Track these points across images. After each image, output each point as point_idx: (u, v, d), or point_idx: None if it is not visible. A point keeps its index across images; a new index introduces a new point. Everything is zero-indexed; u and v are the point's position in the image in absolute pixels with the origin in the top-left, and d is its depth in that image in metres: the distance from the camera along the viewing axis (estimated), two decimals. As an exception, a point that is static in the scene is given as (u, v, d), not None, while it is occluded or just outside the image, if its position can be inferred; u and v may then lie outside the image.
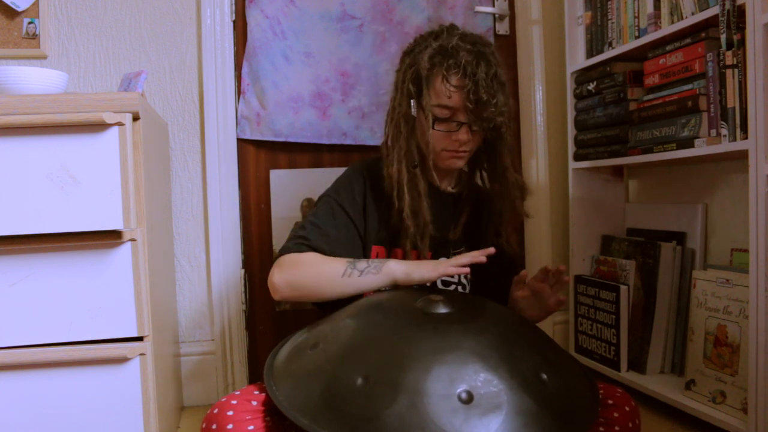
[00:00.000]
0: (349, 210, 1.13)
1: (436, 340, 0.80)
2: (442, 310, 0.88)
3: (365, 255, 1.15)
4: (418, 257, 1.13)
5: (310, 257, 1.06)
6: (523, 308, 1.12)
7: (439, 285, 1.16)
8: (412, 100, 1.10)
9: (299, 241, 1.08)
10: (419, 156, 1.13)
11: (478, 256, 1.02)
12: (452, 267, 1.01)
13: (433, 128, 1.09)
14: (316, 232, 1.09)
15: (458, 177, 1.25)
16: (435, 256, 1.17)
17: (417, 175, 1.11)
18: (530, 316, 1.12)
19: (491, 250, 1.04)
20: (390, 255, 1.16)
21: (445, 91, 1.06)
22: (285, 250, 1.08)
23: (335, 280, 1.03)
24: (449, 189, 1.22)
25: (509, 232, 1.17)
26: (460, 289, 1.19)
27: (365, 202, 1.15)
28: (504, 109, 1.08)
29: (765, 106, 1.13)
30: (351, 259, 1.05)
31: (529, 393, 0.75)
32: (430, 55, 1.08)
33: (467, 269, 1.01)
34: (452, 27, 1.13)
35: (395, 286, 1.05)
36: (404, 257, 1.13)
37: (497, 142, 1.14)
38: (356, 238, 1.14)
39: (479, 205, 1.24)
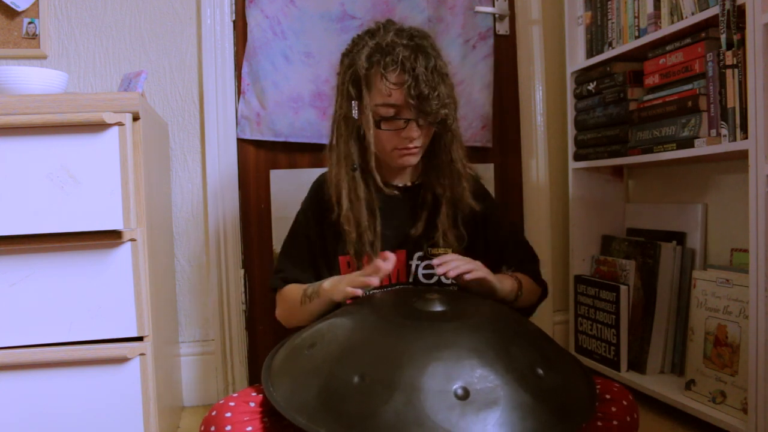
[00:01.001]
0: (305, 232, 1.19)
1: (431, 337, 0.80)
2: (438, 308, 0.88)
3: (333, 267, 1.15)
4: (369, 262, 1.10)
5: (285, 292, 1.17)
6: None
7: (421, 272, 1.16)
8: (353, 102, 1.08)
9: (277, 276, 1.19)
10: (362, 158, 1.11)
11: (370, 279, 0.98)
12: (349, 287, 1.00)
13: (379, 128, 1.07)
14: (286, 262, 1.19)
15: (416, 169, 1.21)
16: (409, 255, 1.15)
17: (356, 178, 1.10)
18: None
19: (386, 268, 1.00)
20: (360, 264, 1.14)
21: (386, 89, 1.04)
22: (272, 286, 1.20)
23: (298, 310, 1.11)
24: (408, 183, 1.19)
25: (447, 228, 1.14)
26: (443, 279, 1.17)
27: (323, 217, 1.15)
28: (447, 100, 1.05)
29: (765, 106, 1.12)
30: (306, 286, 1.11)
31: (526, 388, 0.75)
32: (367, 55, 1.06)
33: (358, 291, 0.98)
34: (389, 23, 1.11)
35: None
36: (358, 266, 1.12)
37: (444, 135, 1.12)
38: (317, 256, 1.17)
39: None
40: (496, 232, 1.20)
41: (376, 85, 1.05)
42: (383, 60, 1.04)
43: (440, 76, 1.05)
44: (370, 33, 1.10)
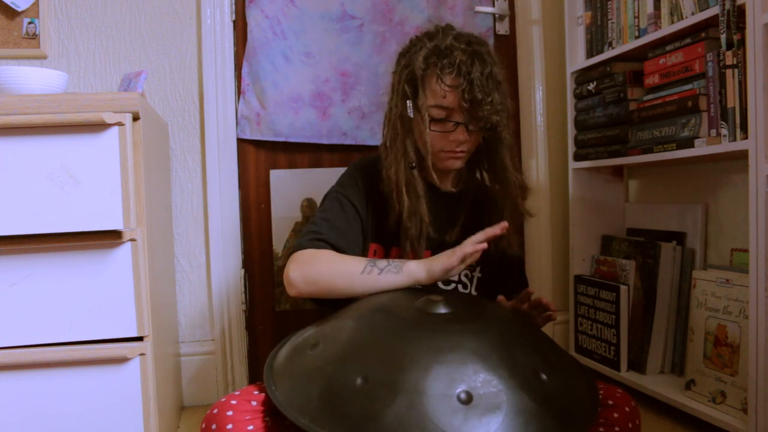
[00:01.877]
0: (356, 203, 1.14)
1: (435, 340, 0.80)
2: (442, 310, 0.88)
3: (365, 249, 1.15)
4: (415, 257, 1.12)
5: (326, 254, 1.06)
6: None
7: (440, 285, 1.16)
8: (408, 101, 1.10)
9: (313, 236, 1.08)
10: (417, 157, 1.13)
11: (491, 231, 1.00)
12: (469, 246, 0.99)
13: (429, 129, 1.08)
14: (327, 226, 1.10)
15: (459, 176, 1.25)
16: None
17: (415, 176, 1.11)
18: None
19: (504, 224, 1.02)
20: (388, 254, 1.17)
21: (440, 91, 1.05)
22: (299, 246, 1.08)
23: (353, 277, 1.02)
24: (450, 189, 1.22)
25: (510, 233, 1.16)
26: (461, 288, 1.19)
27: (367, 197, 1.16)
28: (500, 107, 1.07)
29: (765, 106, 1.12)
30: (371, 258, 1.06)
31: (529, 393, 0.75)
32: (424, 56, 1.07)
33: (485, 245, 1.00)
34: (448, 27, 1.12)
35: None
36: (400, 257, 1.13)
37: (495, 142, 1.13)
38: (361, 231, 1.15)
39: (481, 205, 1.23)
40: (507, 255, 1.20)
41: (431, 86, 1.07)
42: (440, 62, 1.05)
43: (495, 83, 1.06)
44: (429, 35, 1.12)
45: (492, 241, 1.12)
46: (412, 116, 1.10)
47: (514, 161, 1.15)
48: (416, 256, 1.12)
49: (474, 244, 1.00)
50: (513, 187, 1.15)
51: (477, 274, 1.21)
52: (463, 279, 1.19)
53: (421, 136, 1.10)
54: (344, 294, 1.03)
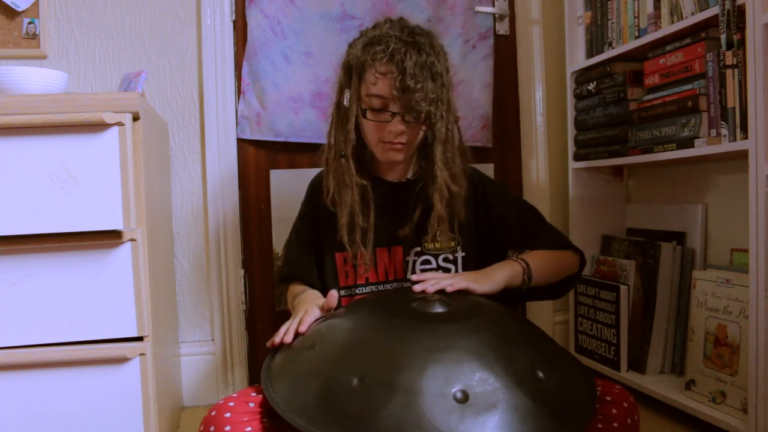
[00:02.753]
0: (304, 231, 1.21)
1: (431, 339, 0.80)
2: (438, 309, 0.88)
3: (331, 266, 1.16)
4: (361, 255, 1.11)
5: (290, 287, 1.20)
6: None
7: (418, 268, 1.15)
8: (346, 90, 1.09)
9: (279, 277, 1.25)
10: (359, 147, 1.12)
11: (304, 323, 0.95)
12: (299, 324, 0.96)
13: (365, 117, 1.08)
14: (286, 261, 1.24)
15: (408, 168, 1.20)
16: (406, 251, 1.15)
17: (343, 165, 1.09)
18: None
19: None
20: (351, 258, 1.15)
21: (373, 79, 1.05)
22: (277, 283, 1.25)
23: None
24: (399, 180, 1.19)
25: (438, 228, 1.10)
26: (454, 269, 1.16)
27: (318, 213, 1.17)
28: (433, 97, 1.03)
29: (765, 106, 1.12)
30: (298, 291, 1.14)
31: (526, 391, 0.75)
32: (363, 44, 1.07)
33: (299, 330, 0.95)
34: (399, 19, 1.11)
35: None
36: (352, 256, 1.12)
37: (430, 135, 1.10)
38: (312, 252, 1.19)
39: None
40: (499, 215, 1.18)
41: (367, 74, 1.06)
42: (374, 49, 1.04)
43: (431, 74, 1.04)
44: (375, 26, 1.11)
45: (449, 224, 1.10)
46: (347, 105, 1.09)
47: (447, 156, 1.09)
48: (363, 254, 1.10)
49: (296, 325, 0.95)
50: (438, 182, 1.09)
51: (460, 254, 1.17)
52: (442, 264, 1.16)
53: (362, 126, 1.10)
54: None
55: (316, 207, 1.18)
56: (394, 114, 1.06)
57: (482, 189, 1.19)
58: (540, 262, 1.11)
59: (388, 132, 1.07)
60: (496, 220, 1.18)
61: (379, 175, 1.17)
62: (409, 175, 1.19)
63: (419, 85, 1.02)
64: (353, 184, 1.09)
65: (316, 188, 1.20)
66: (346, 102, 1.09)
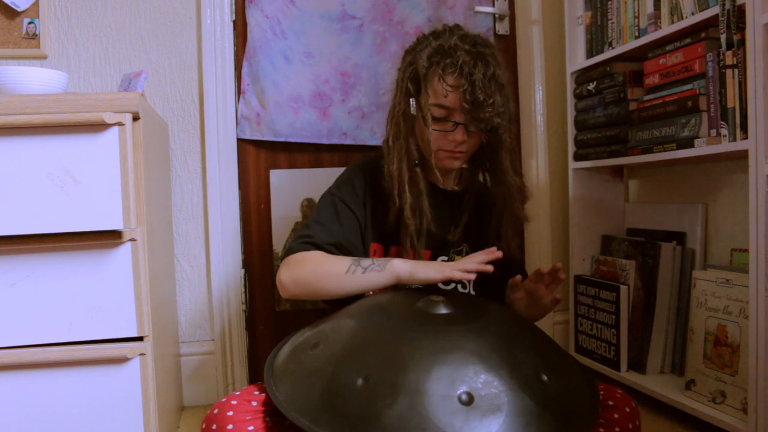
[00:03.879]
0: (351, 204, 1.14)
1: (436, 340, 0.80)
2: (443, 310, 0.88)
3: (365, 251, 1.15)
4: (414, 256, 1.13)
5: (315, 255, 1.07)
6: (519, 309, 1.13)
7: (440, 284, 1.16)
8: (411, 99, 1.11)
9: (304, 240, 1.09)
10: (420, 155, 1.13)
11: (485, 264, 1.00)
12: (458, 272, 1.00)
13: (429, 127, 1.09)
14: (319, 229, 1.11)
15: (461, 176, 1.25)
16: (434, 256, 1.17)
17: (417, 173, 1.12)
18: (527, 316, 1.12)
19: (498, 254, 1.02)
20: (387, 253, 1.17)
21: (442, 91, 1.06)
22: (291, 249, 1.09)
23: (339, 277, 1.03)
24: (452, 188, 1.22)
25: (509, 236, 1.16)
26: (459, 288, 1.19)
27: (365, 197, 1.16)
28: (501, 110, 1.06)
29: (765, 106, 1.13)
30: (356, 258, 1.06)
31: (530, 394, 0.75)
32: (428, 54, 1.08)
33: (473, 276, 1.00)
34: (456, 27, 1.13)
35: (397, 285, 1.05)
36: (399, 256, 1.13)
37: (496, 144, 1.13)
38: (359, 232, 1.15)
39: (482, 206, 1.23)
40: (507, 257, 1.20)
41: (434, 85, 1.07)
42: (443, 61, 1.05)
43: (497, 86, 1.06)
44: (435, 34, 1.12)
45: (491, 243, 1.13)
46: (414, 114, 1.10)
47: (515, 164, 1.15)
48: (416, 254, 1.12)
49: (464, 272, 1.00)
50: (512, 190, 1.14)
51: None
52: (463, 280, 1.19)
53: (422, 135, 1.11)
54: (333, 294, 1.05)
55: (365, 191, 1.16)
56: (457, 124, 1.08)
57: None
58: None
59: (449, 141, 1.09)
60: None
61: (433, 181, 1.19)
62: (456, 186, 1.23)
63: (491, 99, 1.04)
64: (425, 193, 1.12)
65: (370, 174, 1.17)
66: (413, 110, 1.10)
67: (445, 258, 1.18)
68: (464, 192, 1.23)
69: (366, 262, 1.04)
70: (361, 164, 1.20)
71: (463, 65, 1.04)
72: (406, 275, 1.02)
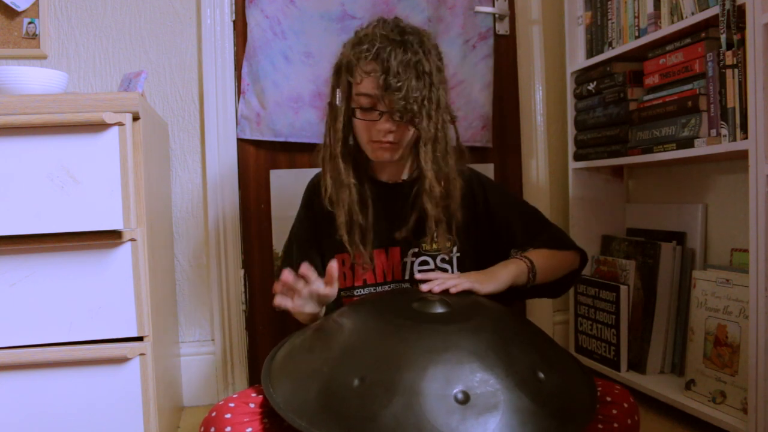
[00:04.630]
0: (302, 234, 1.20)
1: (432, 340, 0.80)
2: (439, 309, 0.88)
3: (324, 265, 1.14)
4: (360, 258, 1.11)
5: None
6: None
7: (416, 269, 1.14)
8: (337, 90, 1.09)
9: (278, 271, 1.18)
10: (356, 148, 1.13)
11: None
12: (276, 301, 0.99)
13: (354, 117, 1.08)
14: (284, 262, 1.22)
15: (402, 168, 1.18)
16: (404, 252, 1.15)
17: (338, 163, 1.10)
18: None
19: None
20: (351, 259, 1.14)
21: (359, 77, 1.05)
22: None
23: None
24: (396, 181, 1.18)
25: (435, 230, 1.10)
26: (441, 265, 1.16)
27: (315, 215, 1.17)
28: (416, 96, 1.01)
29: (765, 106, 1.12)
30: None
31: (526, 392, 0.75)
32: (352, 43, 1.08)
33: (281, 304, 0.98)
34: (394, 19, 1.10)
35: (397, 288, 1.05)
36: (351, 256, 1.12)
37: (419, 136, 1.08)
38: (315, 259, 1.17)
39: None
40: (500, 216, 1.18)
41: (355, 73, 1.06)
42: (360, 47, 1.04)
43: (416, 72, 1.02)
44: (368, 25, 1.11)
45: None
46: (339, 104, 1.09)
47: (436, 156, 1.07)
48: (362, 254, 1.10)
49: (277, 303, 0.98)
50: (426, 182, 1.07)
51: (455, 254, 1.16)
52: (440, 264, 1.15)
53: (354, 126, 1.10)
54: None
55: (314, 208, 1.18)
56: (381, 113, 1.05)
57: (482, 190, 1.18)
58: (543, 260, 1.11)
59: (377, 131, 1.07)
60: (498, 221, 1.18)
61: (375, 175, 1.17)
62: (404, 176, 1.18)
63: (401, 84, 1.01)
64: (349, 184, 1.09)
65: (314, 189, 1.19)
66: (337, 101, 1.09)
67: (416, 250, 1.15)
68: (410, 185, 1.14)
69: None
70: (310, 182, 1.24)
71: (380, 51, 1.02)
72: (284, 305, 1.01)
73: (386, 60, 1.01)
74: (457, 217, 1.11)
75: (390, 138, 1.07)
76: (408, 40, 1.04)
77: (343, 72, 1.08)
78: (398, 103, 1.01)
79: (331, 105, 1.12)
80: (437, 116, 1.06)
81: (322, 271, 1.15)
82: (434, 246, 1.14)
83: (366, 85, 1.04)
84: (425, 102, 1.04)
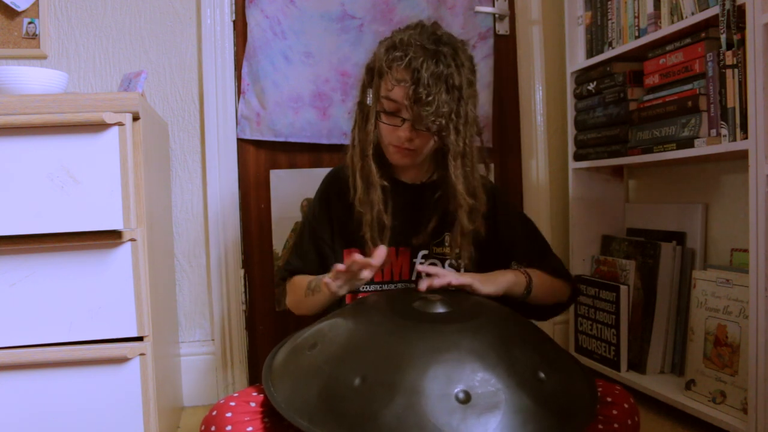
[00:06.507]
0: (315, 224, 1.20)
1: (433, 339, 0.80)
2: (440, 309, 0.88)
3: (339, 261, 1.14)
4: (396, 253, 1.12)
5: (294, 282, 1.20)
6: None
7: (420, 267, 1.14)
8: (368, 90, 1.10)
9: (284, 267, 1.24)
10: (380, 148, 1.13)
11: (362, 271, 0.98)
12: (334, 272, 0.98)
13: (378, 119, 1.08)
14: (294, 254, 1.23)
15: (424, 170, 1.19)
16: (414, 253, 1.15)
17: (369, 164, 1.09)
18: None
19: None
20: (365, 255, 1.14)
21: (390, 83, 1.05)
22: (279, 277, 1.21)
23: (304, 302, 1.14)
24: (416, 183, 1.18)
25: (461, 245, 1.10)
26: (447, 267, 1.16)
27: (330, 208, 1.17)
28: (445, 111, 1.01)
29: (765, 106, 1.12)
30: (312, 278, 1.12)
31: (527, 392, 0.75)
32: (386, 46, 1.07)
33: (338, 267, 0.97)
34: (433, 24, 1.10)
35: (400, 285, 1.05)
36: (363, 252, 1.10)
37: (445, 148, 1.07)
38: (324, 249, 1.18)
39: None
40: (505, 235, 1.18)
41: (385, 77, 1.06)
42: (394, 54, 1.04)
43: (446, 86, 1.02)
44: (406, 28, 1.10)
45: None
46: (369, 104, 1.09)
47: (465, 170, 1.07)
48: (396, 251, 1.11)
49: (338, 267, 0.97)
50: (459, 197, 1.07)
51: (464, 261, 1.15)
52: (448, 269, 1.15)
53: (378, 127, 1.10)
54: (313, 313, 1.13)
55: (329, 201, 1.18)
56: (404, 120, 1.06)
57: (493, 204, 1.17)
58: (541, 280, 1.13)
59: (397, 137, 1.07)
60: (503, 238, 1.18)
61: (395, 176, 1.17)
62: (424, 179, 1.19)
63: (431, 98, 1.00)
64: (380, 184, 1.10)
65: (332, 183, 1.19)
66: (369, 101, 1.09)
67: (426, 252, 1.15)
68: (430, 187, 1.15)
69: (313, 282, 1.11)
70: (330, 172, 1.24)
71: (412, 60, 1.01)
72: (328, 288, 1.02)
73: (417, 71, 1.01)
74: (480, 231, 1.11)
75: (410, 145, 1.08)
76: (441, 51, 1.03)
77: (375, 73, 1.08)
78: (428, 118, 1.01)
79: (362, 104, 1.12)
80: (465, 131, 1.06)
81: (327, 262, 1.17)
82: (444, 250, 1.15)
83: (395, 93, 1.04)
84: (453, 116, 1.03)
